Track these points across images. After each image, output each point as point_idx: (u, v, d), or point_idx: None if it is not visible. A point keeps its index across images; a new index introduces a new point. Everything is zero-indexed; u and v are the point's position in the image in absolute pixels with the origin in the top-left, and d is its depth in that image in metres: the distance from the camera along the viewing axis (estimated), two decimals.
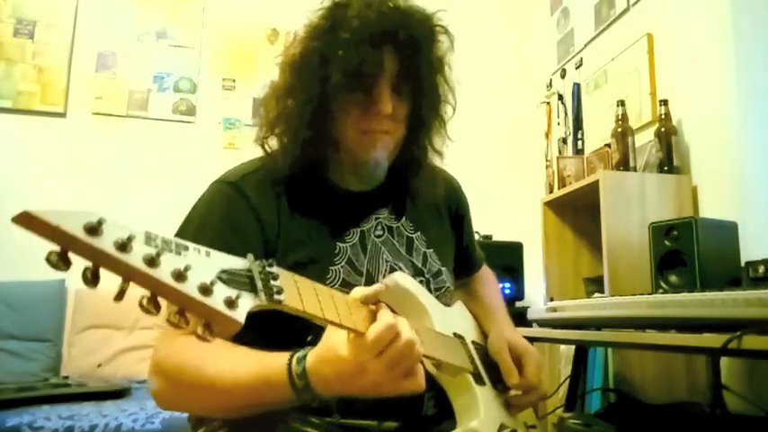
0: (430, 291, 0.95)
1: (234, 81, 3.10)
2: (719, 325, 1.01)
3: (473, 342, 0.97)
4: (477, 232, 2.77)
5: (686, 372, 1.84)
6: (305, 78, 0.86)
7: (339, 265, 0.89)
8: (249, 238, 0.84)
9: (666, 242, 1.57)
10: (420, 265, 0.97)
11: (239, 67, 3.12)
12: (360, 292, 0.67)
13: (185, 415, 0.92)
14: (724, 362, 1.64)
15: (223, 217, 0.86)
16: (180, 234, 0.84)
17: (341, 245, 0.90)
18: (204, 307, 0.43)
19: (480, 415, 0.83)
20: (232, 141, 3.04)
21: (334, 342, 0.65)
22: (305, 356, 0.69)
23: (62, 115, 2.84)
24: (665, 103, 2.02)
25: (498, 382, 0.95)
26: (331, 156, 0.92)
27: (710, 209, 1.92)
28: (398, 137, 0.92)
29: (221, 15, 3.13)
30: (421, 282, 0.94)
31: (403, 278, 0.86)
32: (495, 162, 3.20)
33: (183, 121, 3.01)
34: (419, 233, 1.00)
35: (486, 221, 2.82)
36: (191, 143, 2.97)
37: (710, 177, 1.95)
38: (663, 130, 2.02)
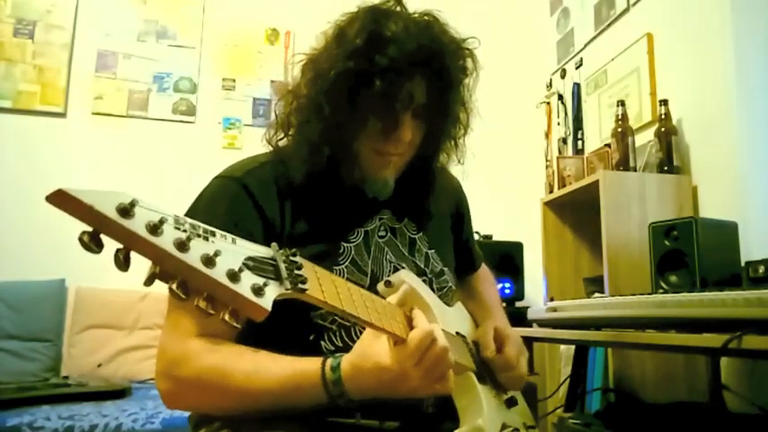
0: (433, 290, 0.95)
1: (234, 81, 3.10)
2: (719, 325, 1.01)
3: (473, 342, 0.98)
4: (477, 232, 2.78)
5: (686, 372, 1.84)
6: (335, 99, 0.85)
7: (343, 265, 0.89)
8: (253, 236, 0.84)
9: (666, 242, 1.57)
10: (422, 266, 0.98)
11: (239, 67, 3.12)
12: (394, 298, 0.73)
13: (185, 415, 0.92)
14: (724, 362, 1.64)
15: (227, 213, 0.85)
16: None
17: (345, 245, 0.91)
18: (232, 293, 0.44)
19: (484, 413, 0.83)
20: (232, 141, 3.04)
21: (374, 351, 0.70)
22: (338, 365, 0.73)
23: (62, 115, 2.84)
24: (665, 103, 2.02)
25: (497, 383, 0.96)
26: (351, 165, 0.91)
27: (710, 209, 1.92)
28: (408, 157, 0.93)
29: (221, 15, 3.13)
30: (424, 281, 0.94)
31: (408, 276, 0.87)
32: (495, 162, 3.19)
33: (183, 121, 3.01)
34: (421, 234, 1.00)
35: (486, 221, 2.82)
36: (191, 143, 2.97)
37: (710, 177, 1.95)
38: (663, 130, 2.02)
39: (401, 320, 0.71)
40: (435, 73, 0.87)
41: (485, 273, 1.23)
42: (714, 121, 1.94)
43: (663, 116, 2.02)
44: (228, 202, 0.86)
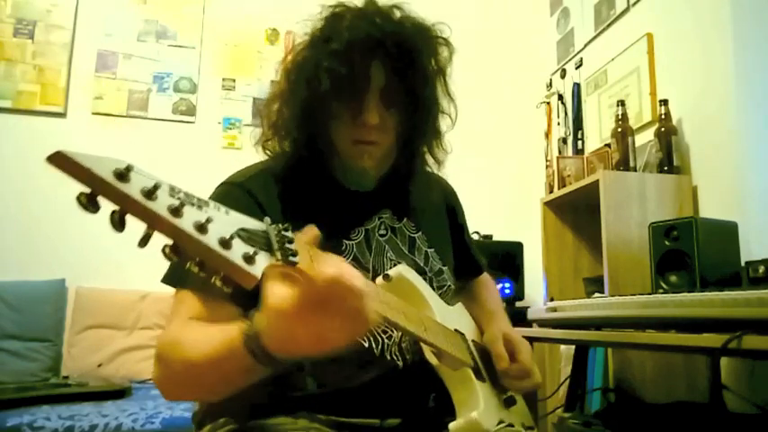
0: (433, 288, 0.96)
1: (234, 81, 3.10)
2: (719, 325, 1.01)
3: (473, 341, 0.98)
4: (476, 232, 2.79)
5: (686, 371, 1.84)
6: (297, 85, 0.89)
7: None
8: None
9: (666, 242, 1.57)
10: (422, 264, 0.99)
11: (239, 67, 3.12)
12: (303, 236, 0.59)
13: (186, 415, 0.93)
14: (724, 362, 1.64)
15: None
16: None
17: (347, 242, 0.92)
18: (223, 259, 0.44)
19: (480, 407, 0.83)
20: (232, 141, 3.04)
21: (267, 296, 0.55)
22: (253, 316, 0.62)
23: (62, 115, 2.84)
24: (665, 103, 2.02)
25: (497, 382, 0.96)
26: (331, 156, 0.94)
27: (710, 209, 1.92)
28: (387, 146, 0.93)
29: (221, 15, 3.13)
30: (424, 279, 0.95)
31: (407, 271, 0.87)
32: (496, 162, 3.20)
33: (183, 121, 3.01)
34: (420, 233, 1.02)
35: (486, 221, 2.83)
36: (191, 143, 2.97)
37: (710, 177, 1.95)
38: (663, 130, 2.02)
39: None
40: (394, 55, 0.87)
41: (486, 278, 1.24)
42: (714, 121, 1.94)
43: (663, 116, 2.02)
44: (232, 205, 0.86)
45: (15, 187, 2.70)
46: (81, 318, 2.53)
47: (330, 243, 0.88)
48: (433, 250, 1.02)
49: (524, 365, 0.95)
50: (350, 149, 0.90)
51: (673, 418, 1.55)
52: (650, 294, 1.24)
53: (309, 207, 0.91)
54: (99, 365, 2.43)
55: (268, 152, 0.97)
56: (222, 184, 0.92)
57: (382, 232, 0.97)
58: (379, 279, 0.85)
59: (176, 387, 0.79)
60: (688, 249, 1.52)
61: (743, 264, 1.46)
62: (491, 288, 1.21)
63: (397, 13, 0.90)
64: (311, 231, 0.60)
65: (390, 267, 0.92)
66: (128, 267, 2.66)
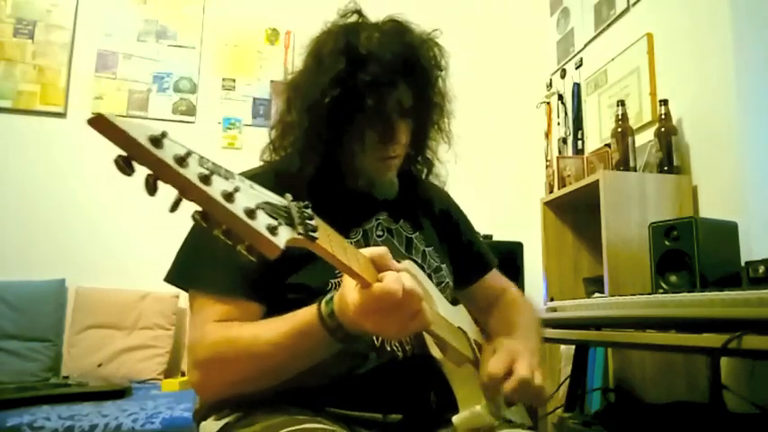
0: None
1: (234, 81, 3.10)
2: (719, 325, 1.01)
3: (474, 340, 0.98)
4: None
5: (686, 371, 1.84)
6: (332, 125, 0.90)
7: None
8: None
9: (666, 242, 1.57)
10: (420, 262, 1.00)
11: (239, 67, 3.12)
12: (371, 251, 0.70)
13: (186, 415, 0.93)
14: (724, 362, 1.65)
15: None
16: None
17: None
18: (249, 228, 0.46)
19: (483, 401, 0.83)
20: (232, 141, 3.03)
21: (345, 286, 0.70)
22: (332, 299, 0.73)
23: (62, 115, 2.84)
24: (665, 103, 2.02)
25: None
26: (348, 169, 0.96)
27: (710, 209, 1.92)
28: (404, 155, 0.98)
29: (221, 15, 3.13)
30: None
31: (411, 265, 0.87)
32: (495, 162, 3.20)
33: (183, 121, 3.01)
34: (417, 233, 1.04)
35: (486, 221, 2.82)
36: (191, 143, 2.91)
37: (710, 177, 1.95)
38: (663, 130, 2.02)
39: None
40: (414, 74, 0.92)
41: (516, 298, 1.14)
42: (714, 121, 1.94)
43: (663, 116, 2.02)
44: None
45: (16, 187, 2.70)
46: (81, 318, 2.53)
47: None
48: (431, 249, 1.03)
49: (521, 374, 0.80)
50: (375, 165, 0.94)
51: (673, 418, 1.55)
52: (650, 294, 1.24)
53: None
54: (99, 365, 2.43)
55: (274, 156, 0.99)
56: None
57: (379, 233, 0.98)
58: None
59: (232, 385, 0.83)
60: (688, 249, 1.52)
61: (743, 264, 1.46)
62: (522, 310, 1.10)
63: (402, 31, 0.93)
64: (376, 251, 0.70)
65: None
66: (128, 267, 2.67)
